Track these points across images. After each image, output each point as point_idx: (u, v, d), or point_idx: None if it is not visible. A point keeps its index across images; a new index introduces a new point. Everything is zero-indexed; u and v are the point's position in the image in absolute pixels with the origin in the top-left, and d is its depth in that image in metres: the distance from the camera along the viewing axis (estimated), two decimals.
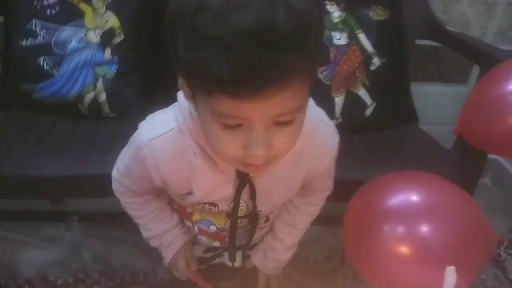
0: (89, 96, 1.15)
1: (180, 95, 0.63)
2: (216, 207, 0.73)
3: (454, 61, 1.52)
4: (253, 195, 0.70)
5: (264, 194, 0.71)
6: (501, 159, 1.89)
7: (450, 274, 0.63)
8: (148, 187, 0.74)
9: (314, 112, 0.67)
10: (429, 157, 1.09)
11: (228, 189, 0.69)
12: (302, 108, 0.53)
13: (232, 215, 0.74)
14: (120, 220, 1.41)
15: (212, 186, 0.68)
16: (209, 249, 0.86)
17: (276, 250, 0.84)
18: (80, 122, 1.15)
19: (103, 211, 1.42)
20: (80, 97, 1.15)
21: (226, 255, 0.87)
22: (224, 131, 0.52)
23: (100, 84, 1.15)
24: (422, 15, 1.33)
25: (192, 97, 0.55)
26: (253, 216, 0.75)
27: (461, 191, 0.74)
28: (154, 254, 0.88)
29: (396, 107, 1.25)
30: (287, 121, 0.52)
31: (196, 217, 0.80)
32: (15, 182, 0.97)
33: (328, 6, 1.22)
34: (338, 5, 1.22)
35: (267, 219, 0.81)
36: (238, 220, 0.76)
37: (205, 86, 0.49)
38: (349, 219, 0.76)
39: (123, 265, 1.30)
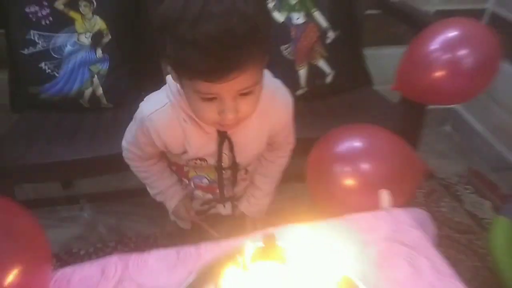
0: (88, 92, 1.29)
1: (169, 78, 0.80)
2: (205, 161, 0.89)
3: (402, 26, 1.67)
4: (231, 148, 0.87)
5: (240, 147, 0.87)
6: (460, 109, 2.07)
7: (383, 196, 0.82)
8: (152, 151, 0.90)
9: (271, 82, 0.84)
10: (377, 112, 1.27)
11: (212, 145, 0.86)
12: (257, 82, 0.71)
13: (218, 167, 0.91)
14: (126, 196, 1.60)
15: (200, 144, 0.85)
16: (205, 202, 1.04)
17: (257, 197, 1.02)
18: (83, 114, 1.29)
19: (110, 190, 1.60)
20: (80, 93, 1.28)
21: (218, 206, 1.05)
22: (204, 103, 0.71)
23: (96, 80, 1.29)
24: None
25: (178, 79, 0.73)
26: (234, 166, 0.92)
27: (394, 136, 0.91)
28: (159, 220, 1.05)
29: (352, 73, 1.40)
30: (248, 92, 0.70)
31: (191, 174, 0.96)
32: (35, 169, 1.12)
33: None
34: None
35: (246, 171, 0.98)
36: (223, 171, 0.92)
37: (187, 74, 0.68)
38: (310, 161, 0.94)
39: (134, 232, 1.47)
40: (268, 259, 0.58)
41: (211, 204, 1.06)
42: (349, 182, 0.87)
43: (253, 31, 0.64)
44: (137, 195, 1.20)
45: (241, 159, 0.91)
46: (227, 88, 0.67)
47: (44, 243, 0.62)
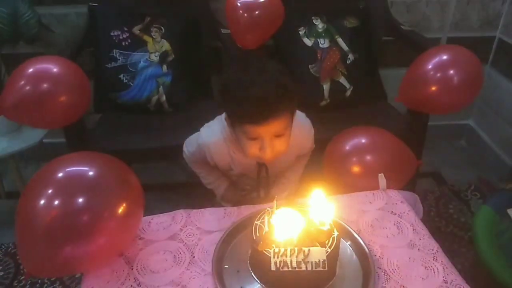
0: (155, 98, 1.57)
1: (223, 118, 1.07)
2: (247, 176, 1.17)
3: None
4: (267, 171, 1.14)
5: (273, 169, 1.15)
6: (474, 126, 2.24)
7: (381, 178, 1.04)
8: (205, 161, 1.17)
9: (299, 121, 1.09)
10: (389, 120, 1.49)
11: (252, 169, 1.13)
12: (288, 127, 0.99)
13: (257, 178, 1.17)
14: (178, 187, 1.84)
15: (244, 168, 1.13)
16: (243, 190, 1.27)
17: (286, 184, 1.24)
18: (150, 116, 1.57)
19: (165, 182, 1.86)
20: (148, 100, 1.56)
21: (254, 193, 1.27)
22: (249, 141, 0.97)
23: (161, 89, 1.56)
24: (384, 19, 1.69)
25: (232, 125, 1.01)
26: (268, 176, 1.17)
27: (391, 135, 1.12)
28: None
29: (368, 88, 1.64)
30: (281, 135, 0.97)
31: (234, 177, 1.23)
32: (119, 154, 1.42)
33: (314, 20, 1.62)
34: (321, 19, 1.62)
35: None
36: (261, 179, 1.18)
37: (240, 120, 0.96)
38: (326, 153, 1.16)
39: None
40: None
41: (248, 191, 1.28)
42: (356, 169, 1.08)
43: (284, 93, 0.92)
44: (186, 187, 1.44)
45: (274, 173, 1.18)
46: (266, 131, 0.94)
47: (141, 194, 0.86)
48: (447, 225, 1.73)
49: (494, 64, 2.05)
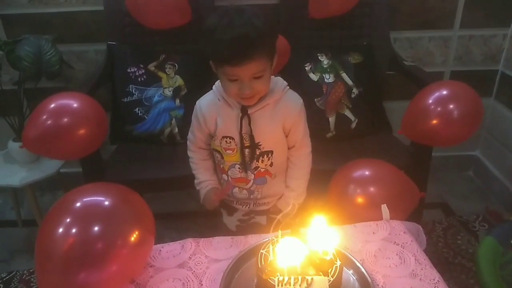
0: (167, 131, 1.62)
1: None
2: (232, 139, 1.14)
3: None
4: (249, 122, 1.11)
5: (258, 126, 1.12)
6: (481, 157, 2.25)
7: (384, 209, 1.07)
8: (201, 136, 1.19)
9: (284, 85, 1.14)
10: (392, 152, 1.52)
11: (236, 121, 1.12)
12: (266, 69, 1.03)
13: (241, 147, 1.14)
14: (186, 216, 1.87)
15: (229, 119, 1.12)
16: (245, 213, 1.27)
17: (291, 197, 1.21)
18: (163, 147, 1.62)
19: (173, 211, 1.90)
20: (161, 132, 1.62)
21: (257, 218, 1.28)
22: (229, 82, 1.03)
23: (174, 122, 1.62)
24: (387, 55, 1.75)
25: (215, 68, 1.06)
26: (253, 145, 1.14)
27: (394, 168, 1.16)
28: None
29: (372, 121, 1.68)
30: (259, 76, 1.02)
31: (226, 166, 1.20)
32: (132, 184, 1.47)
33: (319, 57, 1.68)
34: (326, 55, 1.68)
35: (271, 163, 1.18)
36: (245, 150, 1.15)
37: (219, 62, 1.02)
38: (332, 184, 1.19)
39: None
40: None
41: (251, 216, 1.29)
42: (359, 200, 1.11)
43: (259, 35, 0.97)
44: (194, 216, 1.45)
45: (259, 138, 1.14)
46: (244, 72, 1.00)
47: (153, 223, 0.90)
48: (455, 256, 1.72)
49: (498, 97, 2.09)
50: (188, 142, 1.26)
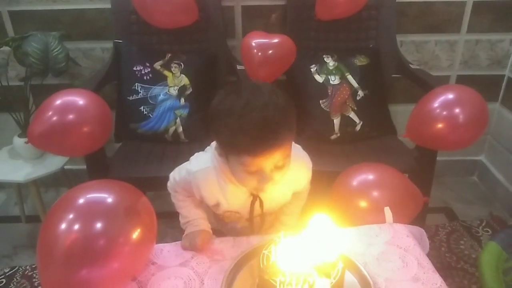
0: (172, 129, 1.62)
1: (213, 147, 0.95)
2: (238, 213, 1.03)
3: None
4: (261, 204, 1.01)
5: (268, 203, 1.02)
6: (486, 162, 2.23)
7: (387, 212, 1.06)
8: (190, 194, 1.03)
9: (295, 149, 0.94)
10: (397, 156, 1.51)
11: (245, 202, 1.00)
12: (288, 157, 0.88)
13: (250, 219, 1.05)
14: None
15: (236, 200, 0.99)
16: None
17: (281, 230, 1.04)
18: (167, 146, 1.62)
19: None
20: (166, 130, 1.62)
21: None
22: (247, 174, 0.86)
23: (178, 121, 1.62)
24: (393, 58, 1.74)
25: (225, 155, 0.89)
26: (263, 215, 1.07)
27: (397, 172, 1.15)
28: None
29: (377, 123, 1.67)
30: (281, 165, 0.87)
31: (226, 220, 1.09)
32: (132, 181, 1.47)
33: (325, 58, 1.68)
34: (332, 57, 1.68)
35: (272, 215, 1.11)
36: (254, 219, 1.06)
37: (236, 152, 0.84)
38: (335, 187, 1.19)
39: None
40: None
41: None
42: (362, 203, 1.11)
43: (285, 117, 0.83)
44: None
45: (268, 209, 1.05)
46: (266, 163, 0.84)
47: (155, 221, 0.90)
48: (457, 261, 1.71)
49: (503, 102, 2.07)
50: (171, 186, 1.07)
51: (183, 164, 1.05)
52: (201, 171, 0.97)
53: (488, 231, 1.87)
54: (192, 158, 1.03)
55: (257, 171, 0.86)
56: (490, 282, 1.10)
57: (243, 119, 0.80)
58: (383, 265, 0.92)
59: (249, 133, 0.80)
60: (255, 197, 1.00)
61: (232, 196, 0.98)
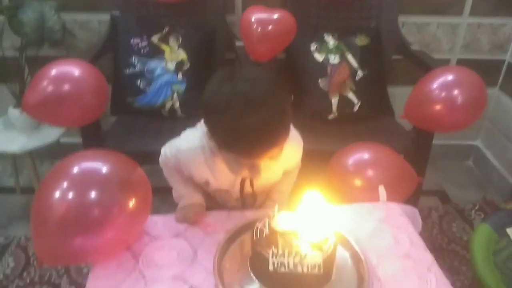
0: (169, 104, 1.61)
1: (203, 127, 0.89)
2: (228, 192, 1.03)
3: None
4: (251, 183, 1.00)
5: (259, 182, 1.00)
6: (481, 147, 2.24)
7: (381, 190, 1.07)
8: (181, 170, 1.02)
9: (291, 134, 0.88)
10: (394, 137, 1.51)
11: (235, 182, 1.00)
12: (282, 149, 0.84)
13: (240, 196, 1.04)
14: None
15: (225, 180, 0.98)
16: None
17: (271, 206, 1.01)
18: (163, 121, 1.61)
19: None
20: (163, 105, 1.61)
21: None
22: (239, 165, 0.85)
23: (175, 96, 1.61)
24: (394, 38, 1.73)
25: (218, 146, 0.84)
26: (253, 195, 1.05)
27: (392, 151, 1.16)
28: None
29: (375, 104, 1.66)
30: (275, 156, 0.83)
31: (218, 198, 1.08)
32: (128, 155, 1.47)
33: (325, 37, 1.66)
34: (332, 36, 1.66)
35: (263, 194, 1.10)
36: (245, 198, 1.05)
37: (231, 151, 0.81)
38: (330, 166, 1.20)
39: None
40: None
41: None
42: (357, 182, 1.12)
43: (284, 116, 0.79)
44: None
45: (259, 189, 1.04)
46: (262, 160, 0.83)
47: (149, 192, 0.89)
48: (449, 243, 1.73)
49: (503, 87, 2.07)
50: (162, 161, 1.06)
51: (174, 139, 1.03)
52: (189, 150, 0.96)
53: (480, 215, 1.89)
54: (182, 134, 1.01)
55: (249, 165, 0.85)
56: (481, 262, 1.12)
57: (241, 121, 0.75)
58: (375, 242, 0.93)
59: (247, 137, 0.76)
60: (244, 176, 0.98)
61: (221, 175, 0.97)
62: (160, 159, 1.06)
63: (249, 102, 0.75)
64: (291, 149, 0.96)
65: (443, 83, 1.22)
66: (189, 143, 0.96)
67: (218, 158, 0.93)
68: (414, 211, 1.09)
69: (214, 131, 0.83)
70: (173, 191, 1.07)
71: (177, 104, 1.63)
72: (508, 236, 1.18)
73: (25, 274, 1.54)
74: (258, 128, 0.75)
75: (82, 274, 1.53)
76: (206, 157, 0.94)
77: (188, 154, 0.96)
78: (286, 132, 0.81)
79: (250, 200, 1.08)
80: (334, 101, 1.62)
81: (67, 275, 1.53)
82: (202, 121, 0.93)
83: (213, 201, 1.11)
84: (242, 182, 1.00)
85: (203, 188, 1.06)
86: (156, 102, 1.62)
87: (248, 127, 0.75)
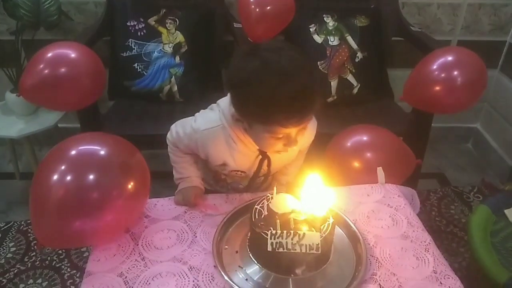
0: (166, 88, 1.61)
1: (222, 103, 0.93)
2: (244, 173, 1.02)
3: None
4: (269, 163, 0.99)
5: (275, 162, 1.00)
6: (480, 129, 2.24)
7: (380, 172, 1.07)
8: (190, 152, 1.01)
9: None
10: (393, 119, 1.51)
11: (253, 161, 0.98)
12: (311, 119, 0.89)
13: (253, 177, 1.03)
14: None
15: (244, 160, 0.97)
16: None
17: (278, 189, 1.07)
18: (161, 105, 1.61)
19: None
20: (160, 89, 1.61)
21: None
22: (274, 140, 0.84)
23: (173, 80, 1.60)
24: (394, 19, 1.71)
25: (247, 122, 0.85)
26: (268, 175, 1.05)
27: (391, 133, 1.15)
28: None
29: (375, 87, 1.66)
30: (305, 127, 0.85)
31: (228, 180, 1.09)
32: (129, 139, 1.47)
33: (325, 18, 1.64)
34: (332, 17, 1.64)
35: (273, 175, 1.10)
36: (257, 179, 1.04)
37: (266, 124, 0.80)
38: (329, 150, 1.20)
39: None
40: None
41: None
42: (356, 164, 1.12)
43: (316, 81, 0.80)
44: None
45: (275, 168, 1.04)
46: (296, 129, 0.83)
47: (148, 175, 0.89)
48: (447, 225, 1.75)
49: (503, 69, 2.05)
50: (171, 137, 1.04)
51: (186, 119, 1.02)
52: (209, 130, 0.94)
53: (479, 197, 1.90)
54: (197, 115, 1.00)
55: (284, 137, 0.84)
56: (477, 241, 1.14)
57: (277, 90, 0.75)
58: (373, 223, 0.94)
59: (284, 106, 0.76)
60: (264, 156, 0.98)
61: (240, 156, 0.96)
62: (169, 137, 1.04)
63: (281, 71, 0.76)
64: (309, 126, 0.95)
65: (442, 64, 1.21)
66: (208, 124, 0.95)
67: (240, 138, 0.93)
68: (413, 193, 1.09)
69: (247, 107, 0.82)
70: (174, 172, 1.06)
71: (175, 88, 1.62)
72: (506, 217, 1.19)
73: (26, 258, 1.55)
74: (294, 95, 0.75)
75: (82, 257, 1.54)
76: (226, 138, 0.94)
77: (208, 134, 0.95)
78: (319, 96, 0.81)
79: (260, 182, 1.07)
80: (334, 83, 1.61)
81: (68, 259, 1.55)
82: (220, 102, 0.95)
83: (222, 183, 1.10)
84: (261, 162, 0.99)
85: (212, 172, 1.06)
86: (154, 85, 1.62)
87: (284, 95, 0.75)
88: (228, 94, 0.91)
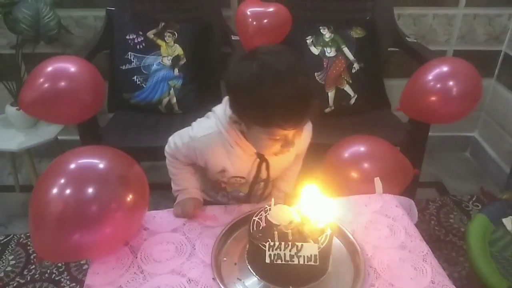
0: (165, 100, 1.61)
1: (217, 110, 0.94)
2: (244, 178, 1.01)
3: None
4: (268, 167, 1.00)
5: (274, 166, 1.01)
6: (478, 137, 2.25)
7: (377, 182, 1.07)
8: (189, 162, 1.02)
9: None
10: (389, 128, 1.52)
11: (252, 165, 0.99)
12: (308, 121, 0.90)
13: (253, 183, 1.03)
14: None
15: (242, 164, 0.98)
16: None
17: (279, 197, 1.09)
18: (160, 117, 1.62)
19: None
20: (159, 101, 1.61)
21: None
22: (272, 141, 0.85)
23: (172, 92, 1.61)
24: (390, 30, 1.73)
25: (245, 125, 0.86)
26: (267, 180, 1.05)
27: (389, 144, 1.16)
28: None
29: (372, 97, 1.66)
30: (302, 129, 0.87)
31: (229, 189, 1.08)
32: (125, 151, 1.47)
33: (321, 30, 1.66)
34: (328, 28, 1.66)
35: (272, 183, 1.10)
36: (257, 185, 1.05)
37: (265, 126, 0.82)
38: (327, 160, 1.21)
39: None
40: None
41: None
42: (353, 174, 1.12)
43: (312, 84, 0.83)
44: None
45: (273, 174, 1.04)
46: (294, 131, 0.84)
47: (147, 187, 0.90)
48: (446, 234, 1.74)
49: (499, 78, 2.07)
50: (169, 149, 1.04)
51: (183, 129, 1.03)
52: (206, 136, 0.95)
53: (478, 206, 1.90)
54: (194, 124, 1.01)
55: (281, 139, 0.85)
56: (476, 252, 1.14)
57: (275, 92, 0.77)
58: (371, 233, 0.94)
59: (282, 107, 0.77)
60: (262, 160, 0.99)
61: (238, 160, 0.97)
62: (168, 149, 1.04)
63: (279, 73, 0.78)
64: (305, 129, 0.96)
65: (437, 75, 1.23)
66: (205, 130, 0.96)
67: (237, 142, 0.94)
68: (410, 203, 1.10)
69: (245, 110, 0.84)
70: (172, 184, 1.07)
71: (174, 100, 1.63)
72: (504, 226, 1.19)
73: (25, 271, 1.55)
74: (292, 97, 0.77)
75: (82, 270, 1.54)
76: (223, 143, 0.95)
77: (206, 140, 0.95)
78: (315, 98, 0.81)
79: (260, 189, 1.08)
80: (331, 94, 1.62)
81: (68, 272, 1.54)
82: (216, 109, 0.96)
83: (222, 193, 1.11)
84: (259, 165, 1.00)
85: (212, 182, 1.07)
86: (153, 98, 1.62)
87: (282, 97, 0.77)
88: (223, 101, 0.93)
